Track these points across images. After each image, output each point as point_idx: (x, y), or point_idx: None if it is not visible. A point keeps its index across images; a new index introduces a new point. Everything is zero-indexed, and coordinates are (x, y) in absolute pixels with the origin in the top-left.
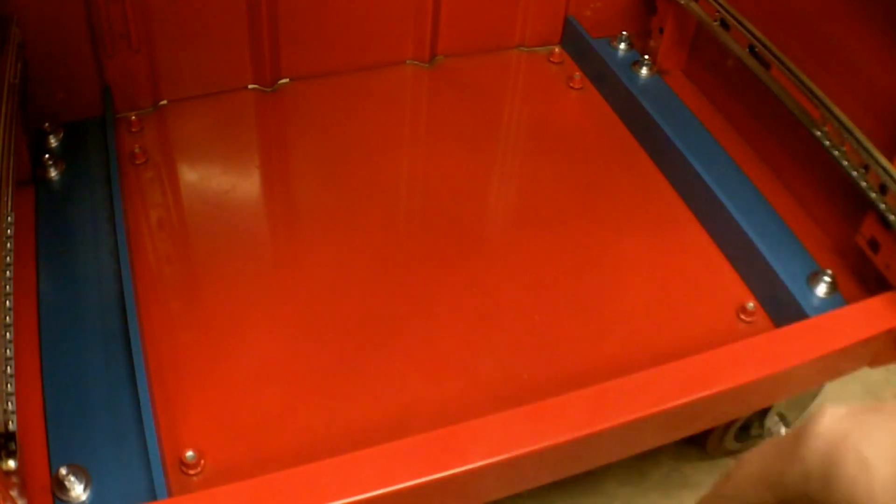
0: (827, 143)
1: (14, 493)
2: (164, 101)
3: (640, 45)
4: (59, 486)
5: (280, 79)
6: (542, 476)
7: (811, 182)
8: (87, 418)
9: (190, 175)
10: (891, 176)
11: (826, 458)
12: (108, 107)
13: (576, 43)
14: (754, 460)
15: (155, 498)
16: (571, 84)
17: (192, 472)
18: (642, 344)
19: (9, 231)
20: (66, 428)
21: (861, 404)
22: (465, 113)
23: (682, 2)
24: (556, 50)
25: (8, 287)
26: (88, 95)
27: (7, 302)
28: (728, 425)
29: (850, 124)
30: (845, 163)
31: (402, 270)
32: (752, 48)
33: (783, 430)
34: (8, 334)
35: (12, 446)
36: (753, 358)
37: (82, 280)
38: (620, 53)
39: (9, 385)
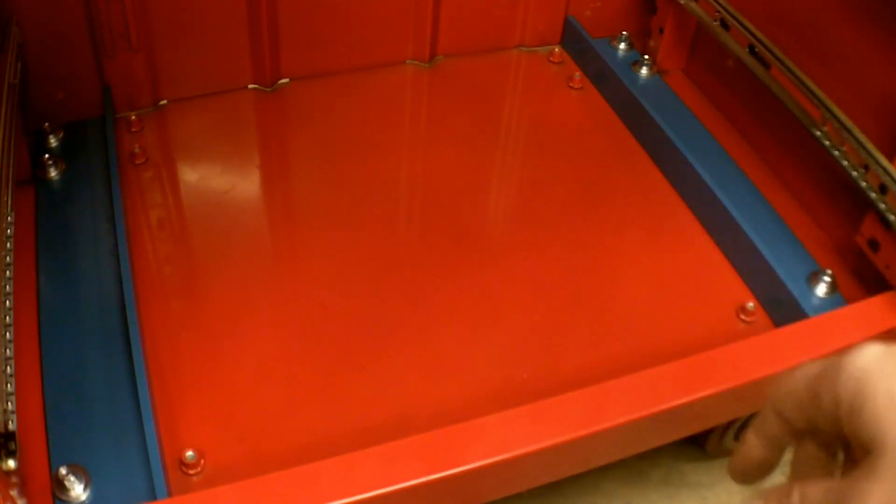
0: (827, 142)
1: (14, 492)
2: (164, 101)
3: (640, 45)
4: (59, 486)
5: (280, 79)
6: (542, 476)
7: (811, 182)
8: (87, 418)
9: (190, 175)
10: (891, 176)
11: (858, 388)
12: (108, 107)
13: (576, 43)
14: (798, 377)
15: (155, 498)
16: (571, 84)
17: (192, 472)
18: (642, 344)
19: (9, 231)
20: (65, 428)
21: None
22: (465, 113)
23: (682, 2)
24: (556, 50)
25: (8, 287)
26: (88, 95)
27: (7, 302)
28: (728, 425)
29: (850, 124)
30: (845, 163)
31: (401, 270)
32: (752, 48)
33: None
34: (8, 334)
35: (12, 446)
36: (753, 358)
37: (82, 280)
38: (620, 53)
39: (9, 385)
